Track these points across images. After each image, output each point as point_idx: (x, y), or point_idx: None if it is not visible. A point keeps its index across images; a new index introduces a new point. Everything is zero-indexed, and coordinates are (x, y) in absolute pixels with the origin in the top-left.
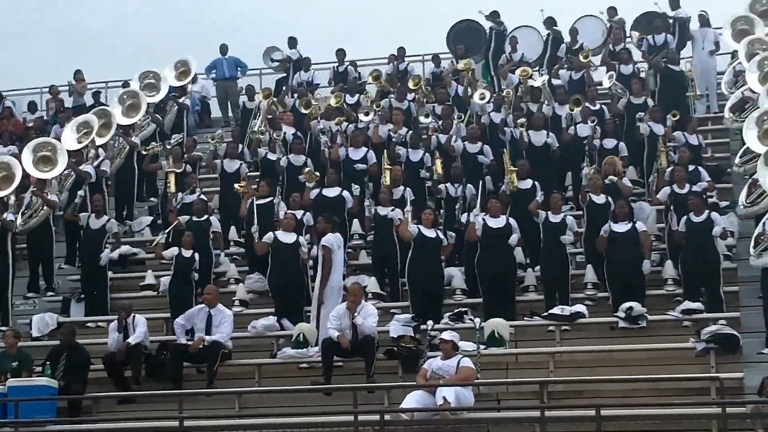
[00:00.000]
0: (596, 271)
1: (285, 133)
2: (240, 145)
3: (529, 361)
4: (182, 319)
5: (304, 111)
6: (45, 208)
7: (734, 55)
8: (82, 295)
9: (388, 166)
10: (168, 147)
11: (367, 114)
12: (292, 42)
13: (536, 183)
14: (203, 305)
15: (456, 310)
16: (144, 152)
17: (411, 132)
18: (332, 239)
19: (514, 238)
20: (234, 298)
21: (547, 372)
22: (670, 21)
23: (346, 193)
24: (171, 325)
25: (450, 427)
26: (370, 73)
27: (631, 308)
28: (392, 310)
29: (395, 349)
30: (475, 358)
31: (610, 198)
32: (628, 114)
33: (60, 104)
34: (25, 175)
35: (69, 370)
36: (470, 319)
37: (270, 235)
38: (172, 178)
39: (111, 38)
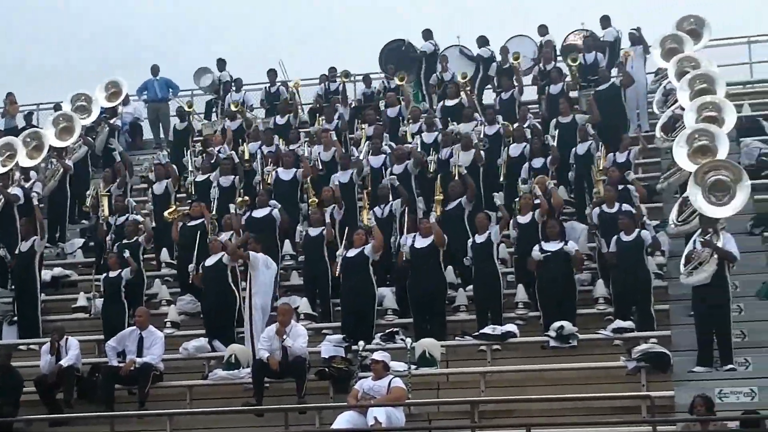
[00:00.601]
0: (527, 290)
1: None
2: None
3: (461, 380)
4: (113, 341)
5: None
6: None
7: (659, 73)
8: (15, 318)
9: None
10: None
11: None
12: (221, 64)
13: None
14: (134, 327)
15: (387, 331)
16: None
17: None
18: (258, 259)
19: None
20: (166, 320)
21: (478, 391)
22: (601, 39)
23: (275, 212)
24: (103, 347)
25: None
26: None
27: (562, 327)
28: (324, 331)
29: (326, 369)
30: (406, 378)
31: (536, 216)
32: (558, 133)
33: None
34: None
35: (2, 393)
36: (401, 339)
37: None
38: (105, 201)
39: (42, 62)
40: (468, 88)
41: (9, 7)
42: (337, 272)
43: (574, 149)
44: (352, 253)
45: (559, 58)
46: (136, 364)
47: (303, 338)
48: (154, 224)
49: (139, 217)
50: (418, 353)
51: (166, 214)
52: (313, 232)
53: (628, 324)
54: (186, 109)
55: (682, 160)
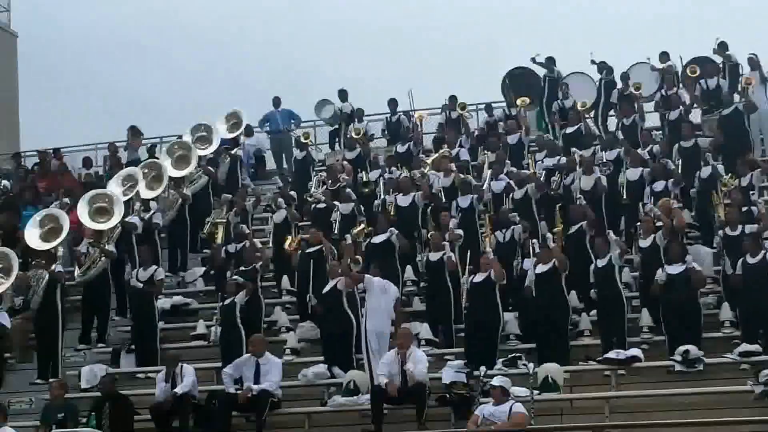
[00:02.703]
0: (651, 314)
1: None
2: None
3: (584, 406)
4: (230, 369)
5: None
6: (103, 258)
7: None
8: (132, 346)
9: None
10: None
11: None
12: (343, 95)
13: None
14: (251, 354)
15: (510, 356)
16: (202, 235)
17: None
18: (373, 282)
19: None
20: (285, 347)
21: (602, 417)
22: (721, 65)
23: (393, 238)
24: (221, 374)
25: None
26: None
27: (687, 351)
28: (445, 357)
29: (447, 395)
30: (528, 404)
31: (657, 239)
32: (681, 157)
33: (117, 160)
34: (78, 228)
35: (113, 421)
36: (524, 365)
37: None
38: (220, 229)
39: (164, 98)
40: (587, 116)
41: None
42: (463, 300)
43: (697, 172)
44: (478, 278)
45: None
46: (254, 391)
47: (423, 363)
48: (272, 252)
49: (258, 244)
50: (541, 378)
51: (285, 245)
52: (434, 257)
53: (755, 347)
54: (303, 140)
55: None
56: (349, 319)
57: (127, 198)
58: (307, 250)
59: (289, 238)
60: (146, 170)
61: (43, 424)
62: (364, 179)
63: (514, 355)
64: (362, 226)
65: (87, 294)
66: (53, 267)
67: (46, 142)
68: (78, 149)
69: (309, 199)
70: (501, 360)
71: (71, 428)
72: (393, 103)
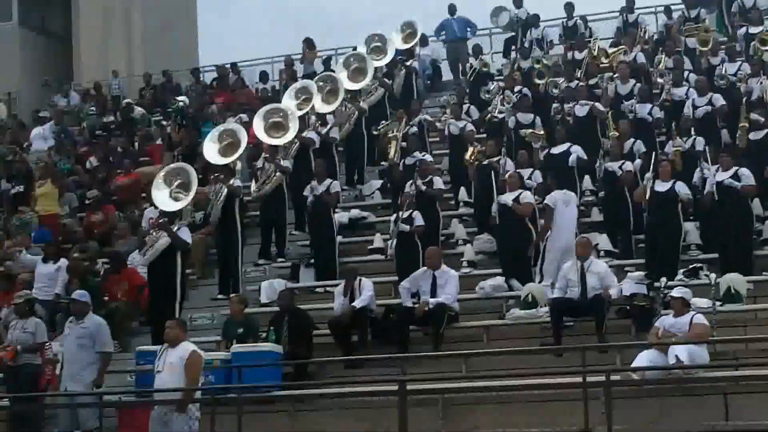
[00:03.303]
0: None
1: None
2: (465, 106)
3: None
4: (407, 282)
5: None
6: (278, 174)
7: None
8: (311, 261)
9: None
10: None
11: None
12: (518, 1)
13: None
14: (427, 268)
15: (691, 266)
16: (375, 132)
17: (640, 85)
18: (556, 197)
19: None
20: (462, 259)
21: None
22: None
23: (573, 149)
24: (398, 288)
25: (683, 387)
26: None
27: None
28: (625, 268)
29: (627, 307)
30: (710, 316)
31: None
32: None
33: (293, 74)
34: (255, 143)
35: (292, 335)
36: (705, 275)
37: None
38: (393, 144)
39: (339, 10)
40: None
41: None
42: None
43: None
44: (662, 187)
45: None
46: (430, 304)
47: (603, 273)
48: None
49: (429, 158)
50: (723, 289)
51: (466, 156)
52: (612, 166)
53: None
54: (483, 69)
55: None
56: (527, 230)
57: (302, 112)
58: (484, 162)
59: (471, 149)
60: (322, 83)
61: (223, 339)
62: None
63: (695, 265)
64: (473, 148)
65: (265, 209)
66: (231, 182)
67: (223, 57)
68: (255, 64)
69: (488, 108)
70: (682, 271)
71: (251, 343)
72: (569, 6)
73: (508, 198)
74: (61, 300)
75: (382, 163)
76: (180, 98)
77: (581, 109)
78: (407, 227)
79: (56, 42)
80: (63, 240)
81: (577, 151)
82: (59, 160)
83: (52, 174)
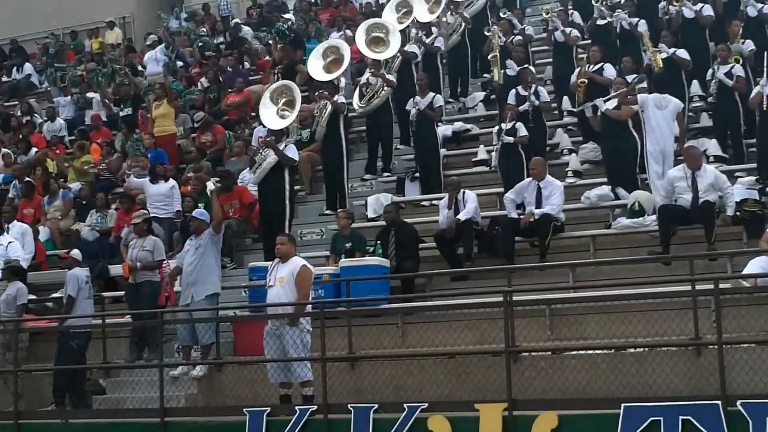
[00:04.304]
0: None
1: None
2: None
3: None
4: (512, 194)
5: None
6: (385, 88)
7: None
8: (416, 174)
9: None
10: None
11: None
12: None
13: None
14: (531, 178)
15: None
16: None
17: None
18: (646, 99)
19: None
20: (567, 169)
21: None
22: None
23: (679, 52)
24: (502, 200)
25: None
26: None
27: None
28: (736, 174)
29: (738, 213)
30: None
31: None
32: None
33: None
34: (359, 59)
35: (398, 249)
36: None
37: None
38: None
39: None
40: None
41: None
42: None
43: None
44: None
45: None
46: (535, 215)
47: (716, 181)
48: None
49: (531, 68)
50: None
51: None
52: (722, 70)
53: None
54: None
55: None
56: (632, 137)
57: (402, 26)
58: (591, 69)
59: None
60: None
61: (332, 253)
62: None
63: None
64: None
65: (370, 124)
66: (336, 98)
67: None
68: None
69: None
70: None
71: (359, 257)
72: None
73: (608, 104)
74: (185, 216)
75: (485, 75)
76: (286, 16)
77: (689, 12)
78: (511, 138)
79: None
80: (178, 160)
81: (682, 54)
82: (173, 82)
83: (169, 95)
